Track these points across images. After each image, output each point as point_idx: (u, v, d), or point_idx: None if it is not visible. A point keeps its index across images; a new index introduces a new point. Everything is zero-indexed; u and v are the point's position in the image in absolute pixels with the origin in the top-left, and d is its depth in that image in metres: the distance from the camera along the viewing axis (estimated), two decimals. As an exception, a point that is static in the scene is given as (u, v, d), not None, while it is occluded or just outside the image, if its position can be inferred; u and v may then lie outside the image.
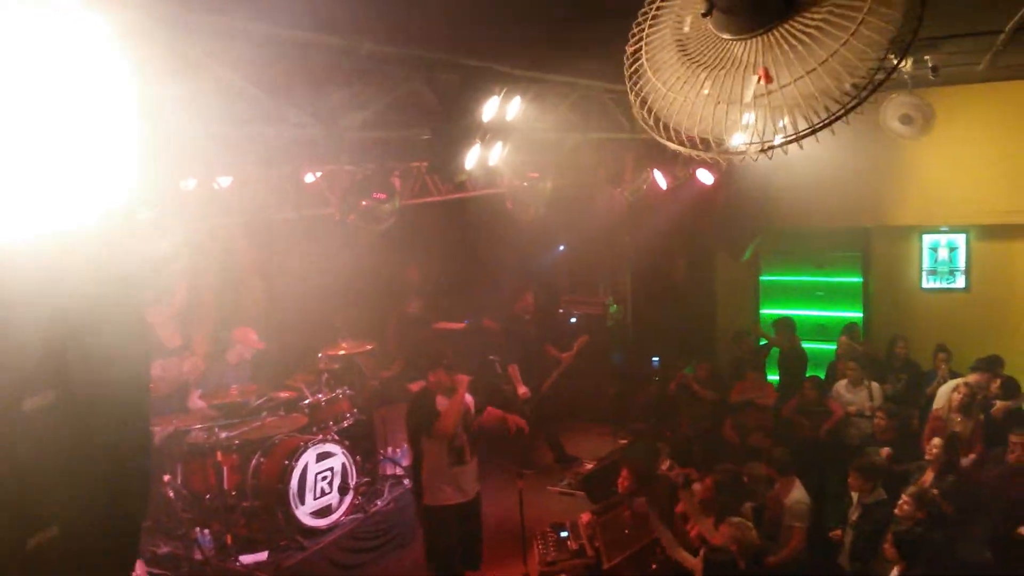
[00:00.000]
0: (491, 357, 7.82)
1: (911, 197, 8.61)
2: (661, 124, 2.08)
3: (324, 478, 6.36)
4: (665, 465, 6.33)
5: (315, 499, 6.29)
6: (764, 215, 8.86)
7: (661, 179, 7.85)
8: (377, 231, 5.34)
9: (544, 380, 8.43)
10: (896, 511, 5.39)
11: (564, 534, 5.70)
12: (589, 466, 7.41)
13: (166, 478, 5.97)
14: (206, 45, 3.02)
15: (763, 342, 9.10)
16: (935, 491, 5.65)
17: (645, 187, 7.89)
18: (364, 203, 5.16)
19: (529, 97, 5.30)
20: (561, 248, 9.97)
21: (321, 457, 6.35)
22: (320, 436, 6.44)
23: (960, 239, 8.81)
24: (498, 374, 7.84)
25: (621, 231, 9.32)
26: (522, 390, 7.91)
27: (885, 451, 6.55)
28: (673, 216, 8.88)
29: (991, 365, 7.43)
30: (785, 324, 8.78)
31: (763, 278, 9.75)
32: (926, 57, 5.57)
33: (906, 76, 5.81)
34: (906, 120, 7.54)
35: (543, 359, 8.50)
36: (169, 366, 6.51)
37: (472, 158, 4.86)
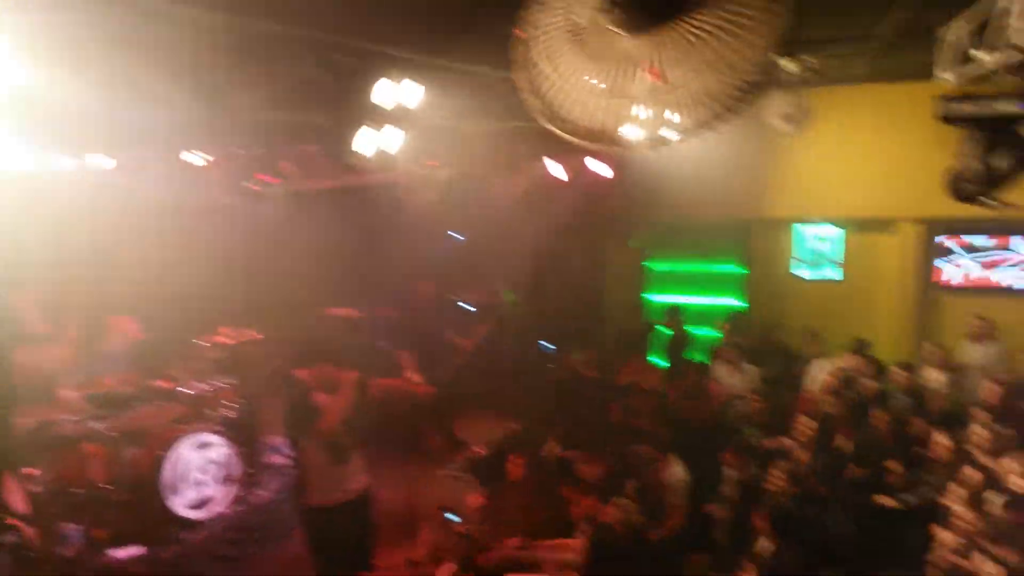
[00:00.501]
0: (381, 344, 7.74)
1: (789, 191, 9.08)
2: (555, 113, 2.12)
3: (203, 469, 6.16)
4: (553, 448, 6.48)
5: (193, 490, 6.09)
6: (653, 206, 9.16)
7: (557, 169, 7.97)
8: (266, 216, 5.18)
9: (444, 369, 8.42)
10: (769, 487, 5.72)
11: (453, 518, 5.73)
12: (480, 451, 7.48)
13: (32, 472, 5.61)
14: (86, 20, 2.84)
15: (650, 327, 9.44)
16: (807, 469, 6.03)
17: (541, 177, 8.00)
18: (253, 187, 5.00)
19: (427, 83, 5.26)
20: (458, 237, 9.97)
21: (200, 447, 6.17)
22: (199, 426, 6.24)
23: (834, 232, 9.36)
24: (388, 361, 7.76)
25: (518, 220, 9.41)
26: (414, 377, 7.86)
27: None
28: (568, 206, 9.05)
29: (860, 348, 7.99)
30: (673, 311, 9.15)
31: (650, 266, 10.08)
32: (807, 58, 5.88)
33: (788, 76, 6.11)
34: (786, 117, 7.95)
35: (443, 348, 8.49)
36: (33, 353, 6.12)
37: (368, 143, 4.79)
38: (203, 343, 6.81)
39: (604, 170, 8.26)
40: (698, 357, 9.04)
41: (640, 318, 9.82)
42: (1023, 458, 5.67)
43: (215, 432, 6.30)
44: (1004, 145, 4.72)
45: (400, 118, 5.06)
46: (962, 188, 5.06)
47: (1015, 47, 3.55)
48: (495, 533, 5.51)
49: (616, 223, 9.59)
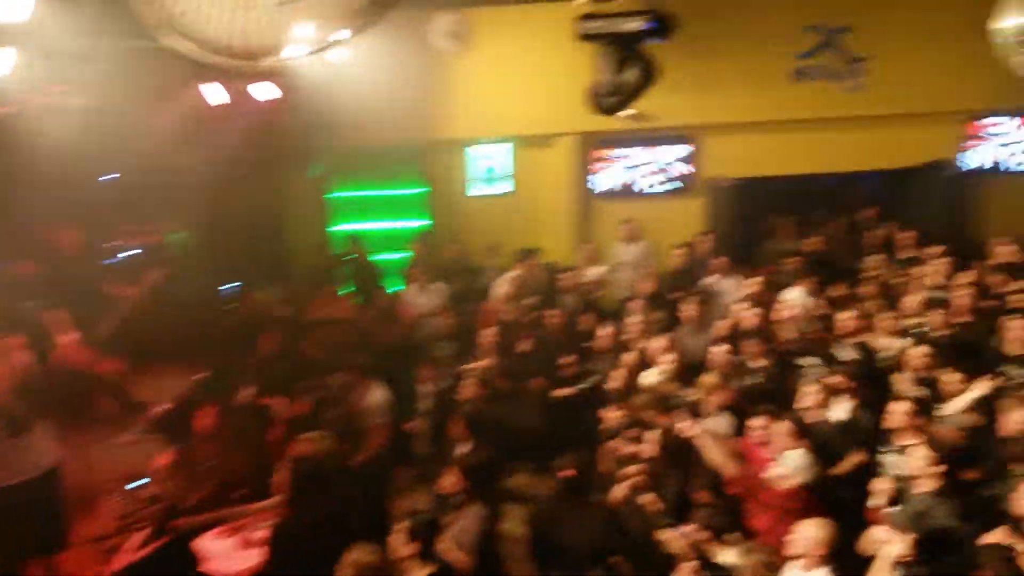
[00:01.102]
0: (28, 303, 6.70)
1: (459, 113, 9.33)
2: (195, 36, 1.90)
3: None
4: (247, 393, 6.19)
5: None
6: (327, 132, 8.89)
7: (216, 94, 7.35)
8: None
9: (106, 324, 7.51)
10: (460, 395, 6.03)
11: (137, 484, 5.29)
12: (163, 407, 6.90)
13: None
14: None
15: (337, 258, 9.30)
16: (493, 373, 6.44)
17: (199, 103, 7.33)
18: None
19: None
20: (110, 175, 8.82)
21: None
22: None
23: (503, 149, 9.86)
24: (37, 323, 6.76)
25: (179, 152, 8.56)
26: (69, 338, 6.95)
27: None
28: (234, 134, 8.41)
29: (530, 256, 8.61)
30: (356, 239, 9.10)
31: (332, 195, 9.86)
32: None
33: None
34: (449, 37, 8.09)
35: (103, 300, 7.56)
36: None
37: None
38: None
39: (270, 94, 7.79)
40: (388, 282, 9.14)
41: (326, 249, 9.62)
42: (664, 338, 6.60)
43: None
44: (632, 60, 5.22)
45: (12, 35, 4.26)
46: (600, 102, 5.54)
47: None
48: (189, 489, 5.18)
49: (291, 152, 9.17)
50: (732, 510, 4.35)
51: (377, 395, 6.13)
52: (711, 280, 8.34)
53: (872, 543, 4.02)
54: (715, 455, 4.61)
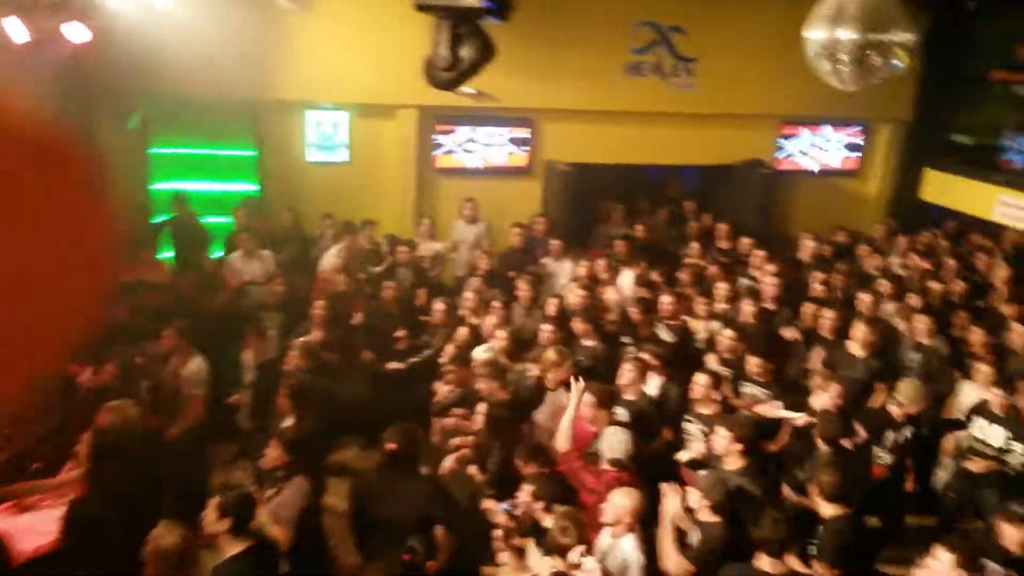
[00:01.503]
0: None
1: (297, 73, 8.93)
2: None
3: None
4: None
5: None
6: (149, 81, 8.20)
7: (15, 30, 6.56)
8: None
9: None
10: (285, 367, 5.83)
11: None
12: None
13: None
14: None
15: (157, 219, 8.67)
16: (321, 345, 6.27)
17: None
18: None
19: None
20: None
21: None
22: None
23: (342, 116, 9.55)
24: None
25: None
26: None
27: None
28: (40, 78, 7.58)
29: (362, 227, 8.44)
30: (179, 198, 8.52)
31: (153, 151, 9.15)
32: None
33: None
34: (289, -6, 7.70)
35: None
36: None
37: None
38: None
39: (81, 35, 7.08)
40: (212, 246, 8.65)
41: (146, 209, 8.93)
42: (499, 312, 6.71)
43: None
44: (469, 37, 5.19)
45: None
46: (435, 76, 5.46)
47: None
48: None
49: (109, 101, 8.39)
50: (563, 481, 4.51)
51: (195, 365, 5.78)
52: (546, 261, 8.59)
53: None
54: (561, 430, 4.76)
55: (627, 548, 3.93)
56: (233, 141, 9.33)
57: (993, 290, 8.02)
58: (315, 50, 8.89)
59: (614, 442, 4.57)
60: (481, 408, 5.29)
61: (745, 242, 8.80)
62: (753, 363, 5.83)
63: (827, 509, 4.24)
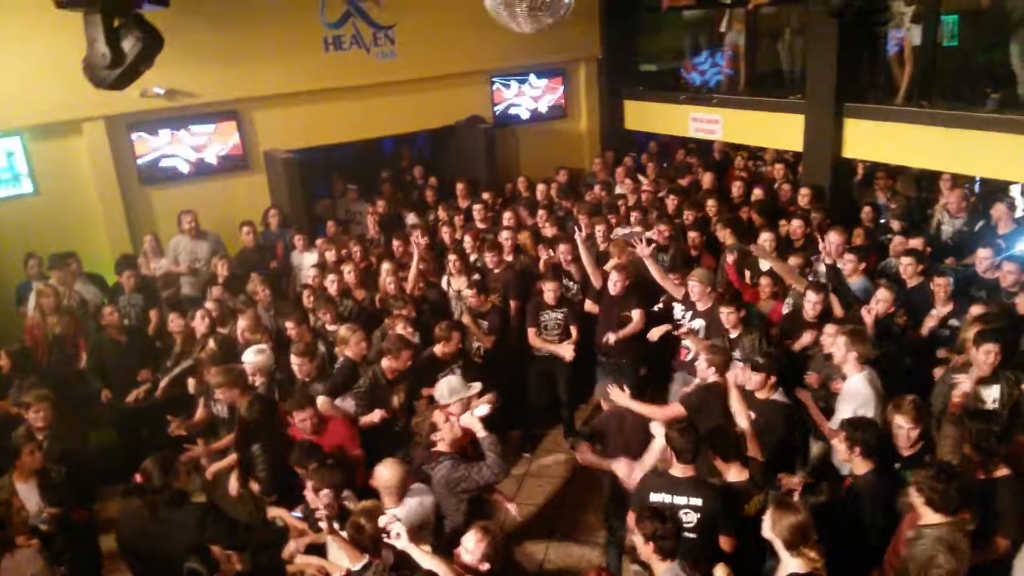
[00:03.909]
0: None
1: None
2: None
3: None
4: None
5: None
6: None
7: None
8: None
9: None
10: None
11: None
12: None
13: None
14: None
15: None
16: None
17: None
18: None
19: None
20: None
21: None
22: None
23: (15, 142, 8.36)
24: None
25: None
26: None
27: None
28: None
29: (62, 261, 7.50)
30: None
31: None
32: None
33: None
34: None
35: None
36: None
37: None
38: None
39: None
40: None
41: None
42: (250, 315, 6.34)
43: None
44: (130, 28, 4.71)
45: None
46: (98, 76, 4.89)
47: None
48: None
49: None
50: (341, 468, 4.39)
51: None
52: (293, 254, 8.33)
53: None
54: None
55: (401, 512, 3.93)
56: None
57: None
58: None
59: (445, 388, 4.83)
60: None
61: (485, 196, 9.10)
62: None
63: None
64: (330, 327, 6.32)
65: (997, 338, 4.79)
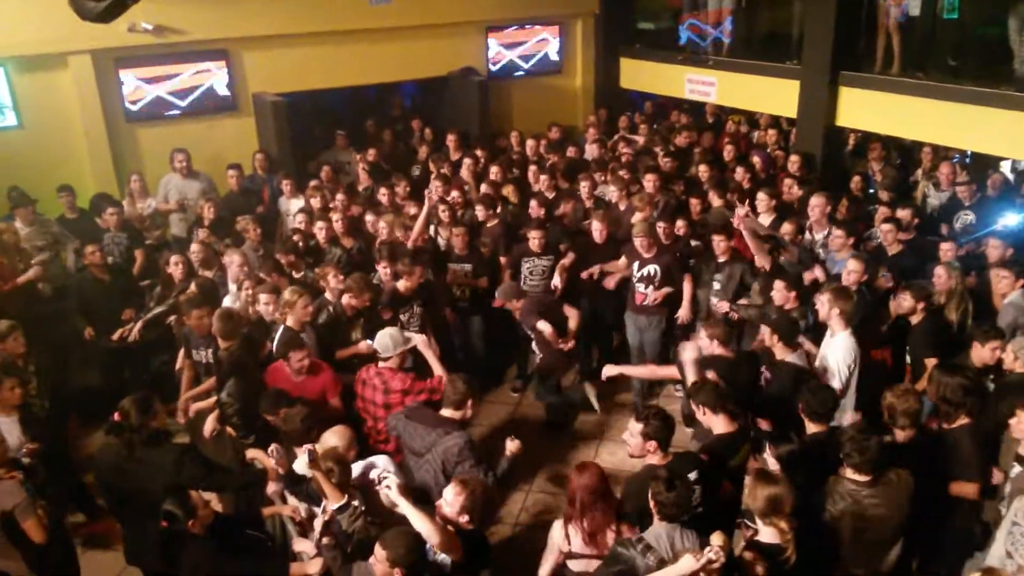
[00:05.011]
0: None
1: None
2: None
3: None
4: None
5: None
6: None
7: None
8: None
9: None
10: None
11: None
12: None
13: None
14: None
15: None
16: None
17: None
18: None
19: None
20: None
21: None
22: None
23: (-3, 74, 8.18)
24: None
25: None
26: None
27: None
28: None
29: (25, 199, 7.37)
30: None
31: None
32: None
33: None
34: None
35: None
36: None
37: None
38: None
39: None
40: None
41: None
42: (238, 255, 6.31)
43: None
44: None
45: None
46: (83, 7, 4.76)
47: None
48: None
49: None
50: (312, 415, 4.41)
51: None
52: (280, 200, 8.27)
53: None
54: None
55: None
56: None
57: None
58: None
59: (388, 340, 4.89)
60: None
61: (477, 152, 8.98)
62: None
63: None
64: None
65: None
